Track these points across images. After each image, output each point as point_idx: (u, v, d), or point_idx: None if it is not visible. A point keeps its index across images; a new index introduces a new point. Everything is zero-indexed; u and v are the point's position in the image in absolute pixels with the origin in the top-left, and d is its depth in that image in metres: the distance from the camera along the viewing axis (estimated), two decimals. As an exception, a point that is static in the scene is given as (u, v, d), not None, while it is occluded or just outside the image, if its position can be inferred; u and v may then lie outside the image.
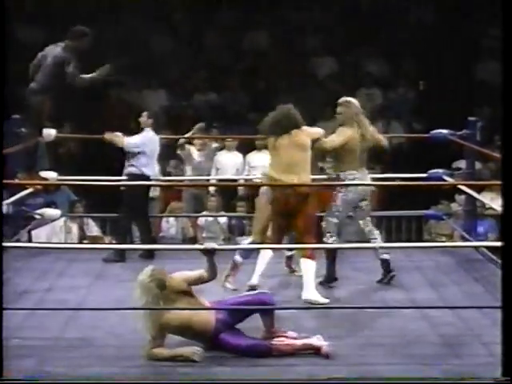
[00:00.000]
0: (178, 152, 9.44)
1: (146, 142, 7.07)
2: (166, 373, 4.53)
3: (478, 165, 7.45)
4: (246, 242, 6.12)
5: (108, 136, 7.08)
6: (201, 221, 9.10)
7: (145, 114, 7.20)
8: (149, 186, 7.42)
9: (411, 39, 11.95)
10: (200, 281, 4.89)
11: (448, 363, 4.62)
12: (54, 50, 7.09)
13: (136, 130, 7.30)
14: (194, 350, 4.64)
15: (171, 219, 9.25)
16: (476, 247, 6.81)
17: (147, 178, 7.01)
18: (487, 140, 8.76)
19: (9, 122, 7.06)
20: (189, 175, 9.32)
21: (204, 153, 9.57)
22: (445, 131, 7.32)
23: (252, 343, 4.75)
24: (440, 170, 7.18)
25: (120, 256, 6.79)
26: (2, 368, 4.24)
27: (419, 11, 12.33)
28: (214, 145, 9.79)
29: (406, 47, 11.96)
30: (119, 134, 7.25)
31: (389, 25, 12.03)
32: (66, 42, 7.11)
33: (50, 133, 7.07)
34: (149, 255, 6.80)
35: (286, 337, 4.79)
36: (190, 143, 9.54)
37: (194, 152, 9.53)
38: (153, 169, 7.17)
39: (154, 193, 9.40)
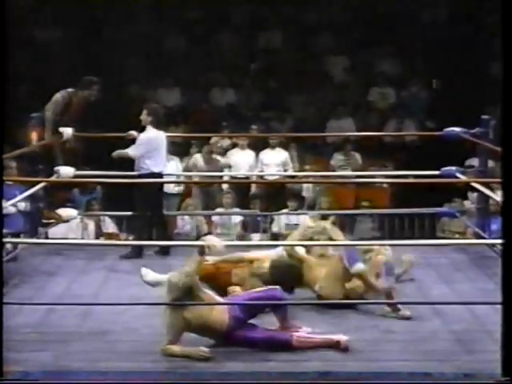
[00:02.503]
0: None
1: (150, 141, 6.96)
2: (178, 367, 4.52)
3: (490, 163, 7.43)
4: None
5: (116, 154, 7.02)
6: (215, 217, 9.15)
7: (144, 111, 7.04)
8: (162, 184, 7.38)
9: (424, 38, 11.94)
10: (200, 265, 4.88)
11: (460, 359, 4.61)
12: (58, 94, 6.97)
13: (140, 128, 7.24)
14: (200, 350, 4.63)
15: (186, 216, 9.29)
16: (489, 245, 6.79)
17: (158, 176, 6.98)
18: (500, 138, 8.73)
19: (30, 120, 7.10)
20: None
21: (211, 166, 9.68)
22: (458, 129, 7.32)
23: (273, 334, 4.76)
24: (453, 168, 7.18)
25: (137, 253, 6.80)
26: (2, 368, 4.22)
27: (432, 10, 12.31)
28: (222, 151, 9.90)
29: (420, 46, 11.94)
30: (134, 132, 7.28)
31: (402, 24, 12.02)
32: (75, 90, 6.96)
33: (67, 131, 7.09)
34: (164, 252, 6.82)
35: (307, 332, 4.82)
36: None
37: (200, 162, 9.64)
38: (162, 165, 7.07)
39: (175, 189, 9.51)
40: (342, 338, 4.74)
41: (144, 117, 7.03)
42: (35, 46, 11.76)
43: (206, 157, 9.71)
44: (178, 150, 9.90)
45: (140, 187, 6.89)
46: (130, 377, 4.44)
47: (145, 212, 7.00)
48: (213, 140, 9.92)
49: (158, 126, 7.05)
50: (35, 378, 4.43)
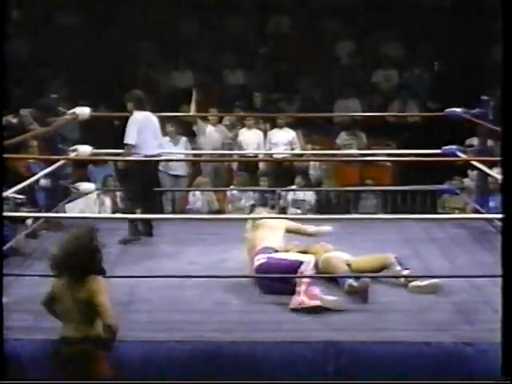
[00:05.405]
0: (194, 128, 9.57)
1: (136, 124, 6.42)
2: (190, 337, 4.53)
3: (489, 142, 7.39)
4: None
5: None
6: (229, 194, 9.19)
7: (125, 100, 6.58)
8: (157, 166, 6.96)
9: (427, 22, 11.84)
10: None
11: (460, 329, 4.62)
12: None
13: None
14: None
15: (197, 193, 9.30)
16: (488, 219, 6.77)
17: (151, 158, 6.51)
18: (499, 118, 8.67)
19: (47, 101, 7.10)
20: (202, 148, 9.42)
21: (217, 128, 9.68)
22: (459, 110, 7.29)
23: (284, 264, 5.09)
24: (453, 147, 7.16)
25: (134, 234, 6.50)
26: (3, 368, 4.11)
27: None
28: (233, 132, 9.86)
29: (422, 30, 11.85)
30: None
31: (406, 9, 11.93)
32: None
33: (84, 111, 7.04)
34: (149, 233, 6.59)
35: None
36: (205, 119, 9.68)
37: (208, 126, 9.65)
38: (156, 147, 6.56)
39: (182, 170, 9.52)
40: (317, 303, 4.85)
41: (127, 104, 6.57)
42: (52, 30, 11.73)
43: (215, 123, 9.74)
44: (189, 129, 9.92)
45: (135, 170, 6.48)
46: (145, 347, 4.45)
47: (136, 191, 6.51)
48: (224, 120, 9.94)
49: (142, 108, 6.50)
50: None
